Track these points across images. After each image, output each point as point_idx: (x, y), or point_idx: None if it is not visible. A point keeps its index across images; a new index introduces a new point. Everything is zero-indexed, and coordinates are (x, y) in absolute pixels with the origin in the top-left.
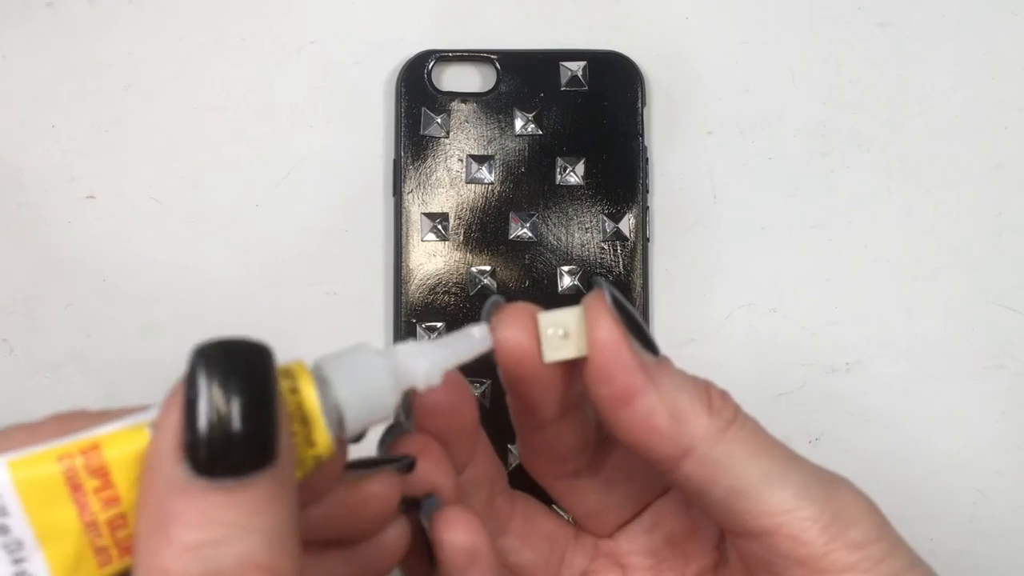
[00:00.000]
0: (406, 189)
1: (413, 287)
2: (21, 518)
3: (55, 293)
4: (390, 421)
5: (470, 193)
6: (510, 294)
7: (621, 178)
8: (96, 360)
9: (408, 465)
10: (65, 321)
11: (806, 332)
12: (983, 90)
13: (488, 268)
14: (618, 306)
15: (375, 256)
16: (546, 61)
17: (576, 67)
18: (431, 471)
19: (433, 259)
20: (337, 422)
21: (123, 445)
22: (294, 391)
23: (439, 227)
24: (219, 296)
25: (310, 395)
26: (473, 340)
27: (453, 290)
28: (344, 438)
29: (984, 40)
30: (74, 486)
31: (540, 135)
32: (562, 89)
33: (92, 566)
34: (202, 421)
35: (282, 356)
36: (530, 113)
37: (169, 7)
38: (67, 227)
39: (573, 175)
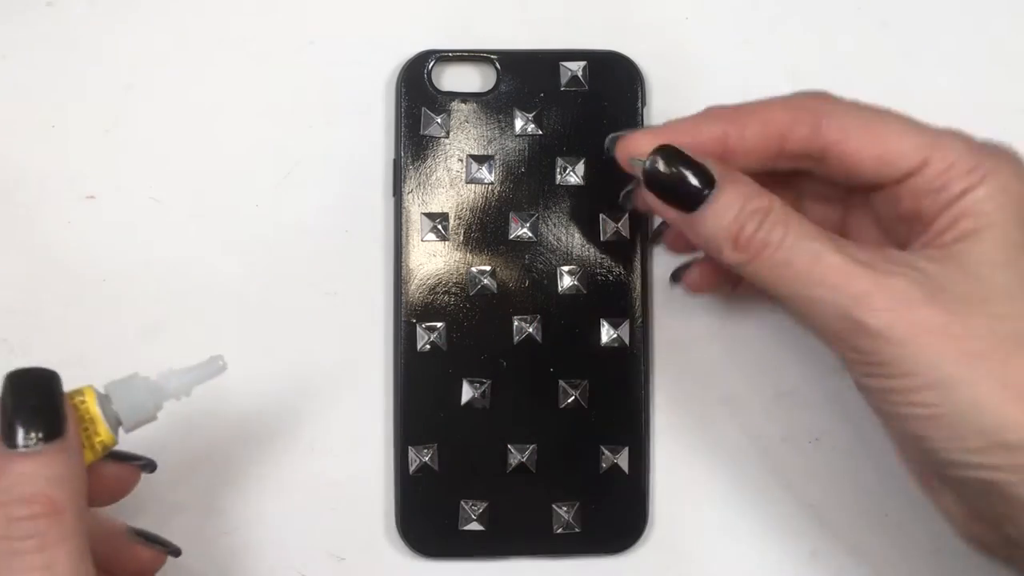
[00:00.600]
0: (406, 189)
1: (413, 287)
2: None
3: (55, 293)
4: (155, 420)
5: (470, 193)
6: (510, 294)
7: (621, 178)
8: (96, 360)
9: (147, 465)
10: (65, 321)
11: (806, 332)
12: (983, 90)
13: (488, 268)
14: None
15: (375, 256)
16: (546, 61)
17: (576, 67)
18: None
19: (433, 259)
20: (116, 423)
21: None
22: (82, 401)
23: (439, 227)
24: (219, 296)
25: (92, 403)
26: (215, 367)
27: (453, 290)
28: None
29: (984, 40)
30: None
31: (540, 135)
32: (562, 89)
33: None
34: (8, 415)
35: (283, 356)
36: (530, 113)
37: (169, 7)
38: (67, 227)
39: (573, 175)
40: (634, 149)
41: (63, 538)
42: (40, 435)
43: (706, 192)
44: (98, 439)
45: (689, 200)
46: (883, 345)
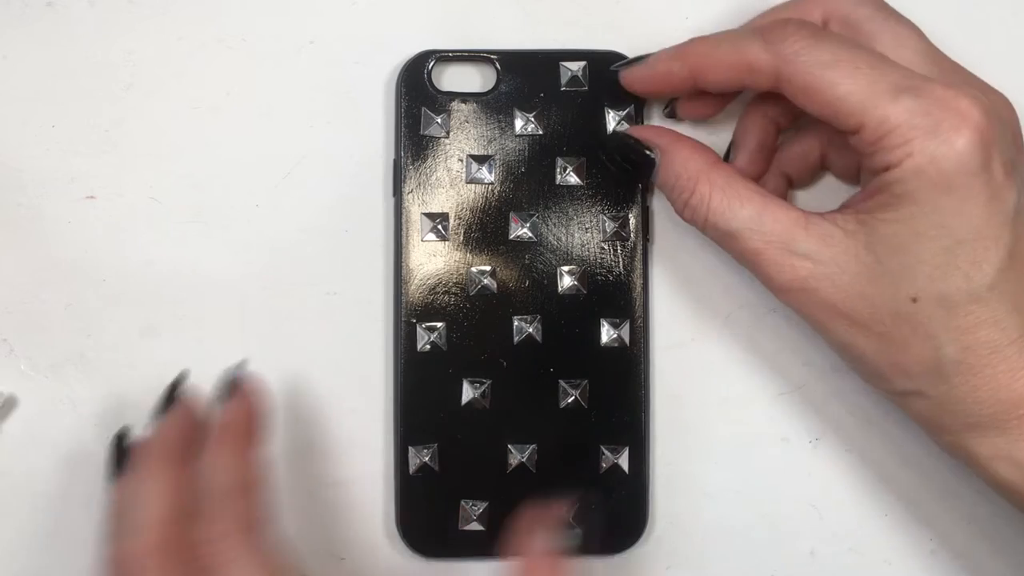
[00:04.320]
0: (406, 189)
1: (413, 287)
2: None
3: (55, 293)
4: None
5: (470, 193)
6: (510, 294)
7: (621, 178)
8: (96, 360)
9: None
10: (65, 321)
11: (806, 332)
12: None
13: (488, 268)
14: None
15: (375, 256)
16: (546, 61)
17: (576, 67)
18: None
19: (433, 259)
20: None
21: None
22: None
23: (439, 227)
24: (219, 296)
25: None
26: None
27: (453, 290)
28: None
29: (984, 40)
30: None
31: (540, 135)
32: (562, 89)
33: None
34: None
35: (283, 356)
36: (530, 113)
37: (169, 7)
38: (67, 227)
39: (573, 175)
40: (628, 87)
41: None
42: None
43: (655, 163)
44: None
45: (644, 169)
46: (777, 293)
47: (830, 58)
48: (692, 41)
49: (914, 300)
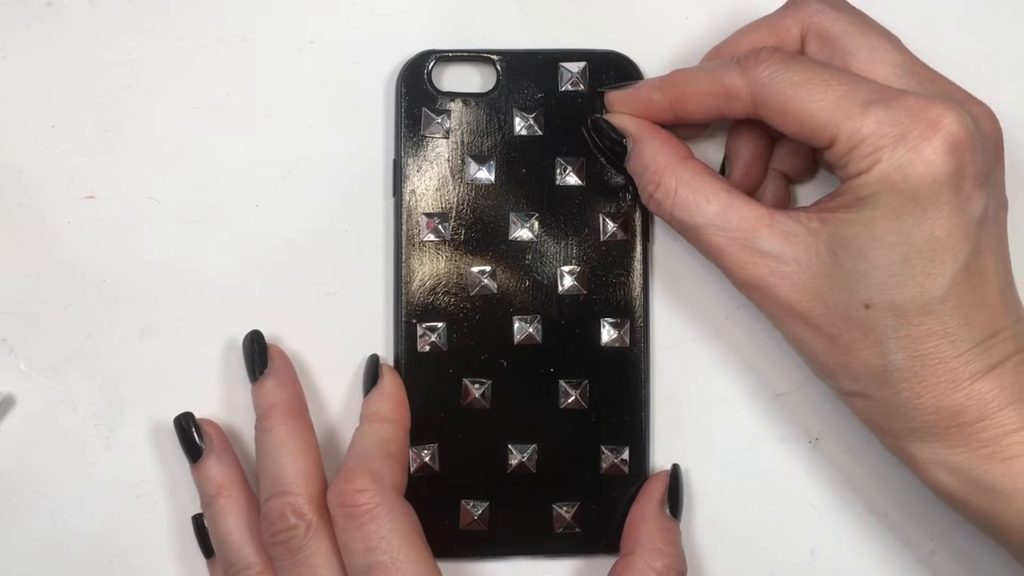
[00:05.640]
0: (406, 189)
1: (413, 287)
2: None
3: (55, 293)
4: None
5: (470, 193)
6: (510, 294)
7: (621, 178)
8: (96, 360)
9: None
10: (65, 321)
11: None
12: (983, 90)
13: (488, 268)
14: None
15: (375, 256)
16: (546, 61)
17: (576, 67)
18: None
19: (433, 259)
20: None
21: None
22: None
23: (439, 227)
24: (219, 296)
25: None
26: None
27: (453, 290)
28: None
29: (984, 40)
30: None
31: (540, 135)
32: (562, 89)
33: None
34: None
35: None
36: (530, 113)
37: (169, 7)
38: (67, 227)
39: (573, 175)
40: (610, 108)
41: None
42: None
43: (626, 149)
44: None
45: (618, 156)
46: (739, 288)
47: (800, 78)
48: (674, 72)
49: (867, 306)
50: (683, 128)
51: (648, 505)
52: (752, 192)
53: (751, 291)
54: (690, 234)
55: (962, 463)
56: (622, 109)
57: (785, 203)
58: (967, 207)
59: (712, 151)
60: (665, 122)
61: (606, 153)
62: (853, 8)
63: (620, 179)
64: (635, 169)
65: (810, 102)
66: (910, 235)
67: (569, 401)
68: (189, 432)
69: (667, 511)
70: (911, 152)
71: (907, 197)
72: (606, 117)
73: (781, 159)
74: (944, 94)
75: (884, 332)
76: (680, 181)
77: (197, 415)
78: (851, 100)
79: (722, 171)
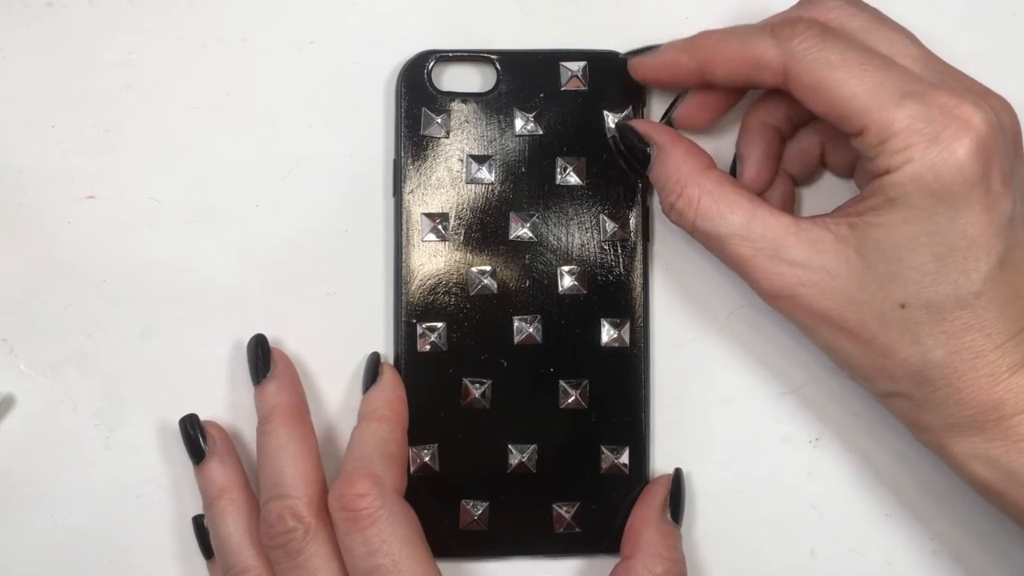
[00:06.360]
0: (406, 189)
1: (413, 287)
2: None
3: (55, 293)
4: None
5: (470, 193)
6: (510, 294)
7: (621, 178)
8: (96, 360)
9: None
10: (65, 321)
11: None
12: None
13: (488, 268)
14: None
15: (375, 256)
16: (546, 61)
17: (576, 67)
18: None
19: (433, 259)
20: None
21: None
22: None
23: (439, 227)
24: (219, 296)
25: None
26: None
27: (453, 290)
28: None
29: (984, 40)
30: None
31: (540, 135)
32: (562, 89)
33: None
34: None
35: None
36: (530, 113)
37: (169, 7)
38: (67, 227)
39: (573, 175)
40: (635, 74)
41: None
42: None
43: (649, 157)
44: None
45: (640, 164)
46: (765, 298)
47: (838, 58)
48: (702, 34)
49: (903, 306)
50: (700, 109)
51: (649, 509)
52: (762, 193)
53: (779, 302)
54: (713, 245)
55: (1000, 456)
56: (646, 75)
57: (792, 205)
58: (998, 205)
59: (723, 150)
60: (691, 85)
61: (628, 160)
62: (867, 4)
63: (620, 179)
64: (657, 179)
65: (844, 86)
66: (944, 235)
67: (569, 401)
68: (193, 434)
69: (668, 516)
70: (944, 152)
71: (939, 198)
72: (632, 123)
73: (790, 160)
74: (967, 89)
75: (921, 330)
76: (703, 191)
77: (198, 416)
78: (886, 89)
79: (732, 171)
